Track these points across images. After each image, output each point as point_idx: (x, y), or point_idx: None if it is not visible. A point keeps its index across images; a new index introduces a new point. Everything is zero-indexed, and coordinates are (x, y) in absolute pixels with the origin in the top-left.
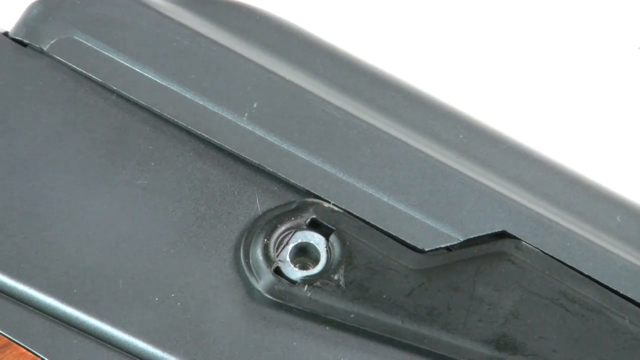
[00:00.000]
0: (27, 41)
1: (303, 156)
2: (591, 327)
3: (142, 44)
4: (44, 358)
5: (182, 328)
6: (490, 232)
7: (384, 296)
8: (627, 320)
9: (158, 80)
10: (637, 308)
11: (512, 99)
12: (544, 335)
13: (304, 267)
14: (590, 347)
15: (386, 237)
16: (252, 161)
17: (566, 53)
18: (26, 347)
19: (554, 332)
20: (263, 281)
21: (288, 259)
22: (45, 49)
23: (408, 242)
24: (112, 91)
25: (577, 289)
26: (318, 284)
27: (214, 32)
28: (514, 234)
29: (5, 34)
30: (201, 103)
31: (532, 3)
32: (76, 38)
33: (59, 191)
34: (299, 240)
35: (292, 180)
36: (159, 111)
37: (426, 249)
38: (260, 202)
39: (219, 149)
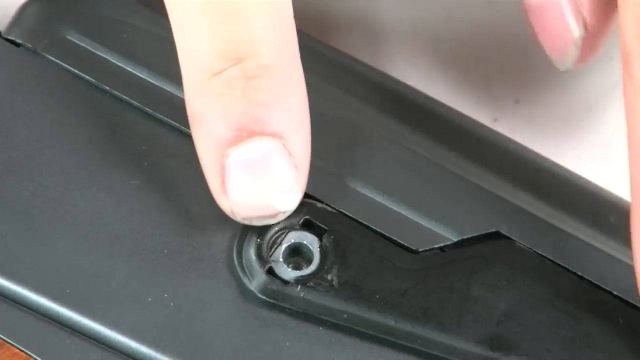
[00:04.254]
0: (20, 41)
1: None
2: (585, 328)
3: (136, 43)
4: (37, 358)
5: (176, 328)
6: (484, 233)
7: (378, 296)
8: (621, 321)
9: (151, 80)
10: (630, 308)
11: (505, 99)
12: (537, 336)
13: (297, 267)
14: (584, 347)
15: (379, 237)
16: None
17: None
18: (19, 347)
19: (547, 332)
20: (256, 281)
21: (281, 259)
22: (38, 48)
23: (401, 242)
24: (106, 91)
25: (570, 290)
26: (311, 284)
27: None
28: (507, 235)
29: None
30: None
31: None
32: (69, 38)
33: (52, 190)
34: (292, 240)
35: None
36: (152, 111)
37: (420, 250)
38: None
39: None
